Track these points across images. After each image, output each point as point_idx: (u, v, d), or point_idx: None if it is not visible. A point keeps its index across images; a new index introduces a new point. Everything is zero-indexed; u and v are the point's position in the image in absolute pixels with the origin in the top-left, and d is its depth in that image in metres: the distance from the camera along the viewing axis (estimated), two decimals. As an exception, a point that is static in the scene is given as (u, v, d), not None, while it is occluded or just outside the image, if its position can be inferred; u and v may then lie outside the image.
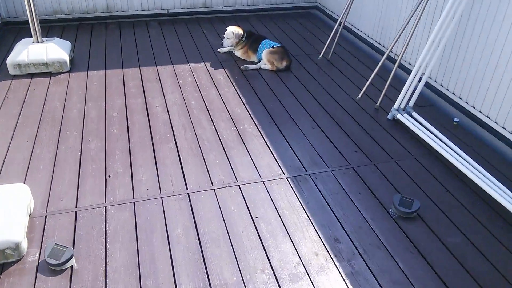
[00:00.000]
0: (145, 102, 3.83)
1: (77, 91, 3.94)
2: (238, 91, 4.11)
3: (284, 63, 4.61)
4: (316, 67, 4.67)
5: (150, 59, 4.64)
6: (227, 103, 3.89)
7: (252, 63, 4.69)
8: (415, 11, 3.60)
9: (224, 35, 4.75)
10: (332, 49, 4.83)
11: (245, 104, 3.89)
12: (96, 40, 5.07)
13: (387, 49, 4.42)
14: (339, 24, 4.67)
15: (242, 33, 4.70)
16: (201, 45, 5.10)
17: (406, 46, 3.71)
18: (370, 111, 3.86)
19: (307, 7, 6.32)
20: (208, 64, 4.62)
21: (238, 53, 4.84)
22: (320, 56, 4.87)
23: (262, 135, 3.45)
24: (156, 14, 5.81)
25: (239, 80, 4.31)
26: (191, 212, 2.64)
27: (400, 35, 3.73)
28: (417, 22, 3.60)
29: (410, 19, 3.64)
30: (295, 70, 4.58)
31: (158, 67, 4.49)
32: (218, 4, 5.94)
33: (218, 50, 4.97)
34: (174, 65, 4.55)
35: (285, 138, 3.43)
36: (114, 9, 5.61)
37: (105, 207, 2.66)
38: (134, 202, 2.70)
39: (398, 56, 3.84)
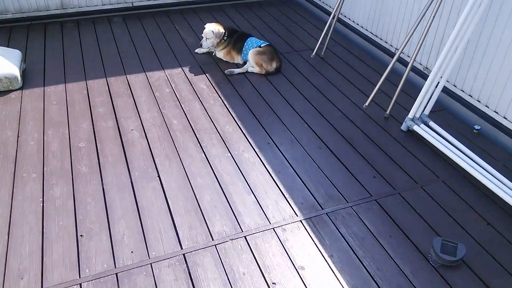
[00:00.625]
0: (117, 125, 3.22)
1: (33, 115, 3.28)
2: (225, 103, 3.56)
3: (274, 65, 4.07)
4: (310, 67, 4.15)
5: (117, 66, 4.00)
6: (216, 121, 3.33)
7: (237, 65, 4.16)
8: (429, 6, 3.13)
9: (202, 34, 4.12)
10: (326, 44, 4.29)
11: (236, 121, 3.34)
12: (52, 44, 4.35)
13: (395, 48, 4.03)
14: (333, 17, 4.13)
15: (224, 31, 4.10)
16: (175, 44, 4.48)
17: (420, 46, 3.23)
18: (379, 121, 3.40)
19: (288, -7, 5.62)
20: (186, 69, 4.03)
21: (220, 54, 4.28)
22: (313, 54, 4.33)
23: (262, 162, 2.92)
24: (119, 9, 5.10)
25: (224, 88, 3.75)
26: (190, 283, 2.13)
27: (412, 34, 3.26)
28: (432, 19, 3.11)
29: (423, 15, 3.16)
30: (286, 72, 4.05)
31: (128, 76, 3.86)
32: (189, -6, 5.16)
33: (196, 50, 4.37)
34: (146, 73, 3.92)
35: (290, 164, 2.91)
36: (69, 4, 4.85)
37: (80, 284, 2.10)
38: (116, 274, 2.15)
39: (411, 58, 3.36)
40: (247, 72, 4.03)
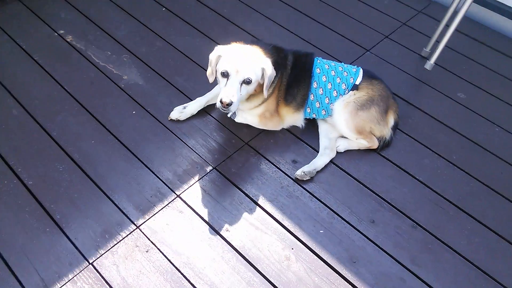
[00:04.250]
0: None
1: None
2: None
3: (392, 121, 2.58)
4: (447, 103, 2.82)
5: None
6: None
7: (297, 137, 2.71)
8: None
9: (220, 75, 2.38)
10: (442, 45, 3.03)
11: None
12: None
13: None
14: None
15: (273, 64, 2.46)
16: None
17: None
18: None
19: None
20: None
21: (252, 115, 2.63)
22: (431, 62, 3.08)
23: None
24: None
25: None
26: None
27: None
28: None
29: None
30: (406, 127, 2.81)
31: None
32: None
33: (174, 116, 2.76)
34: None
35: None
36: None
37: None
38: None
39: None
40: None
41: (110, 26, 3.27)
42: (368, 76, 2.60)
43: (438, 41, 3.08)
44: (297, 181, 2.44)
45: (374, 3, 3.74)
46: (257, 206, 2.33)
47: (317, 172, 2.48)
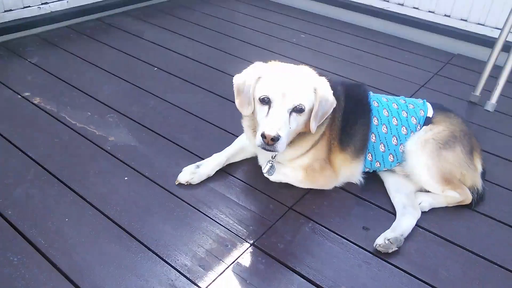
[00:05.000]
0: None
1: None
2: None
3: (480, 166, 1.93)
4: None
5: None
6: None
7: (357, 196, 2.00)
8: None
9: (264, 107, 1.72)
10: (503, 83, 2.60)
11: None
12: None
13: None
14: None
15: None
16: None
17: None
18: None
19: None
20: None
21: (298, 168, 1.91)
22: (493, 102, 2.66)
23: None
24: None
25: None
26: None
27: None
28: None
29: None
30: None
31: None
32: None
33: (186, 179, 1.98)
34: None
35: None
36: None
37: None
38: None
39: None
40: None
41: (90, 87, 2.63)
42: (439, 108, 2.00)
43: (491, 79, 2.67)
44: (378, 254, 1.65)
45: (399, 58, 3.33)
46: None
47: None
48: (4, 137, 2.14)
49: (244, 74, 1.74)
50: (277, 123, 1.57)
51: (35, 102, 2.44)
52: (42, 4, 3.27)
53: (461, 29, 3.45)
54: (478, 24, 3.39)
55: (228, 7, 4.09)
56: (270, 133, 1.54)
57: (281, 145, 1.58)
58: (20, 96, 2.49)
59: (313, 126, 1.67)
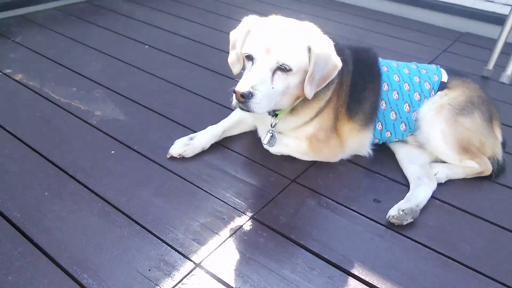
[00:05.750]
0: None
1: None
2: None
3: (500, 135, 1.77)
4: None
5: None
6: None
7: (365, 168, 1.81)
8: None
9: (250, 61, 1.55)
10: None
11: None
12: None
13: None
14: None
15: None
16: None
17: None
18: None
19: None
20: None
21: (301, 138, 1.75)
22: (509, 73, 2.46)
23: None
24: None
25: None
26: None
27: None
28: None
29: None
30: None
31: None
32: None
33: (172, 151, 1.82)
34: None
35: None
36: None
37: None
38: None
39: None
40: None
41: (77, 64, 2.46)
42: (454, 73, 1.84)
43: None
44: (392, 226, 1.49)
45: (406, 37, 3.20)
46: (344, 273, 1.32)
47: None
48: (-19, 112, 2.00)
49: (241, 24, 1.58)
50: (252, 79, 1.40)
51: (17, 78, 2.27)
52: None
53: (469, 7, 3.36)
54: (487, 1, 3.29)
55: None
56: (239, 89, 1.38)
57: (256, 104, 1.40)
58: (0, 73, 2.35)
59: (307, 90, 1.49)
